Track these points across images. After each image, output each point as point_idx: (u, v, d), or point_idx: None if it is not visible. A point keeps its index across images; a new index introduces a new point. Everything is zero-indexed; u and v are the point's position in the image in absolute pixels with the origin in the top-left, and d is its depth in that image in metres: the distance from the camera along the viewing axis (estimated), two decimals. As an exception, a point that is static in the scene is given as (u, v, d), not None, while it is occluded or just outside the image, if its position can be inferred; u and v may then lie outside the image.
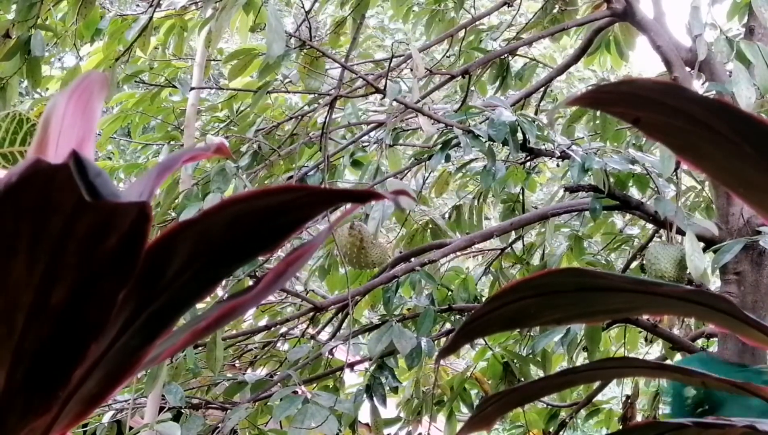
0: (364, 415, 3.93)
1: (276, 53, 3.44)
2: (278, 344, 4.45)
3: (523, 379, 4.08)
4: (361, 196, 0.89)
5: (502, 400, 1.06)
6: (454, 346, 0.98)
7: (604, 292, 0.93)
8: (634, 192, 4.04)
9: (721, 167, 0.83)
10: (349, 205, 0.93)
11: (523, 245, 4.55)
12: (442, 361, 4.49)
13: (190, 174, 3.92)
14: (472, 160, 4.11)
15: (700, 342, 4.23)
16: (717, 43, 3.67)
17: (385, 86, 3.63)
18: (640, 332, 4.52)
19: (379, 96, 4.12)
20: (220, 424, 3.49)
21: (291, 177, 3.97)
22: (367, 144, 4.28)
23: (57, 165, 0.68)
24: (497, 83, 4.70)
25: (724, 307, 0.89)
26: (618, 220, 4.96)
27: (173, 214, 3.77)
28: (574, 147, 3.54)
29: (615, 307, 1.02)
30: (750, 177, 0.81)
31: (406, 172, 4.40)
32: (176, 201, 3.77)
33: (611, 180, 3.57)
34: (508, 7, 4.76)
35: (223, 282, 3.48)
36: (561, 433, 4.51)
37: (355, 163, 4.15)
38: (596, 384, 4.40)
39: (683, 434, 0.98)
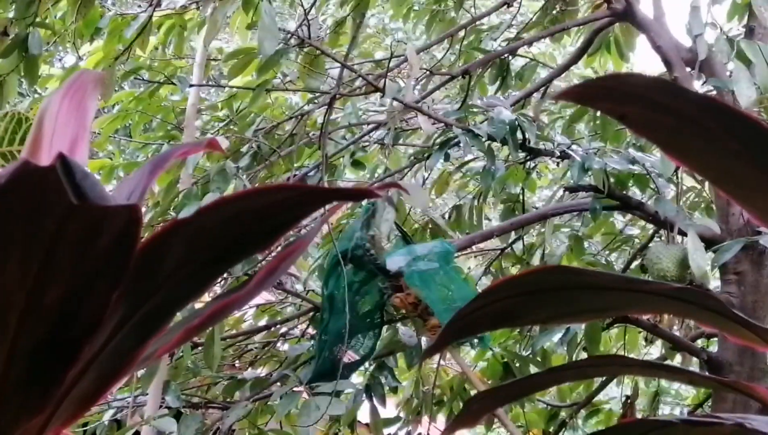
0: (364, 415, 3.93)
1: (268, 51, 3.43)
2: (278, 344, 4.45)
3: (522, 379, 4.07)
4: (355, 195, 0.88)
5: (488, 398, 1.06)
6: (440, 345, 0.98)
7: (591, 291, 0.93)
8: (634, 192, 4.03)
9: (709, 164, 0.83)
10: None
11: (523, 245, 4.54)
12: (442, 362, 4.48)
13: (190, 173, 3.91)
14: (471, 160, 4.10)
15: (700, 342, 4.22)
16: (717, 43, 3.66)
17: (384, 85, 3.63)
18: (640, 332, 4.51)
19: (378, 95, 4.12)
20: (218, 423, 3.49)
21: (291, 178, 3.97)
22: (367, 144, 4.27)
23: (45, 167, 0.68)
24: (497, 83, 4.70)
25: (712, 305, 0.89)
26: (618, 220, 4.96)
27: (173, 214, 3.77)
28: (574, 147, 3.53)
29: (603, 306, 1.02)
30: (739, 174, 0.81)
31: (406, 171, 4.39)
32: (175, 200, 3.76)
33: (611, 180, 3.57)
34: (508, 7, 4.76)
35: (221, 281, 3.48)
36: (561, 433, 4.51)
37: (356, 163, 4.15)
38: (596, 384, 4.39)
39: (671, 432, 0.98)
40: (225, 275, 3.25)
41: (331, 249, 3.34)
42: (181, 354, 3.64)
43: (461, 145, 3.43)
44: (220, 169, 3.56)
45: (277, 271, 0.89)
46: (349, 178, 4.43)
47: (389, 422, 4.05)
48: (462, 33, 4.74)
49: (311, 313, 4.12)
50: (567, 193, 3.96)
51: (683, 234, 3.36)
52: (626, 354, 4.50)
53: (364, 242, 3.17)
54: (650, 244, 3.74)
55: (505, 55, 4.62)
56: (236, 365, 4.47)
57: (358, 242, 3.16)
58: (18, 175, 0.70)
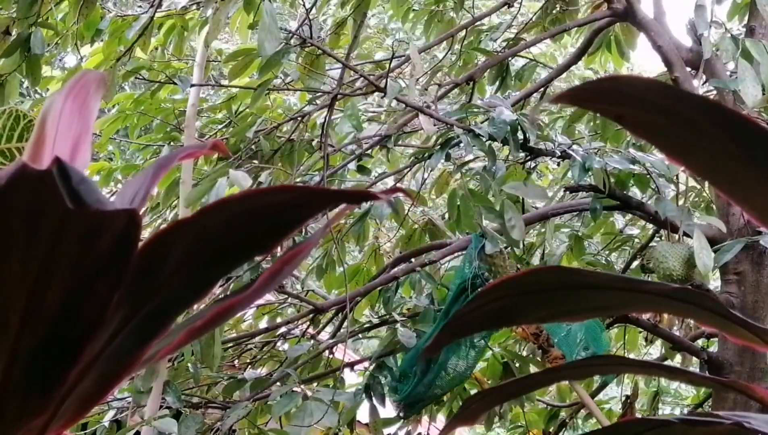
0: (364, 415, 3.93)
1: (268, 52, 3.43)
2: (278, 344, 4.45)
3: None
4: (357, 197, 0.89)
5: (487, 397, 1.06)
6: (437, 345, 0.98)
7: (588, 290, 0.93)
8: (634, 192, 4.03)
9: (708, 166, 0.83)
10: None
11: (523, 245, 4.53)
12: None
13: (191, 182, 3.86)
14: (471, 160, 4.10)
15: (700, 342, 4.22)
16: (722, 42, 3.66)
17: (386, 85, 3.63)
18: (640, 332, 4.51)
19: (378, 96, 4.12)
20: (218, 423, 3.49)
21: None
22: (367, 143, 4.27)
23: (42, 171, 0.68)
24: (497, 84, 4.70)
25: (709, 305, 0.89)
26: (618, 220, 4.96)
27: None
28: (574, 147, 3.53)
29: (600, 305, 1.02)
30: (737, 175, 0.81)
31: (405, 171, 4.39)
32: (175, 201, 3.76)
33: (611, 180, 3.57)
34: (508, 7, 4.76)
35: (225, 283, 3.48)
36: (561, 433, 4.51)
37: (361, 169, 4.15)
38: (596, 384, 4.39)
39: (669, 431, 0.98)
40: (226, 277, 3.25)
41: (455, 278, 3.42)
42: (182, 358, 3.64)
43: (462, 145, 3.43)
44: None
45: (281, 273, 0.89)
46: (349, 179, 4.42)
47: (389, 422, 4.05)
48: (462, 33, 4.74)
49: (311, 315, 4.12)
50: (567, 193, 3.96)
51: (685, 234, 3.36)
52: (626, 354, 4.50)
53: (483, 271, 3.21)
54: (655, 244, 3.73)
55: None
56: (236, 365, 4.47)
57: (476, 272, 3.20)
58: (15, 178, 0.71)
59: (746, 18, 4.07)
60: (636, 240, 4.72)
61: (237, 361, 4.45)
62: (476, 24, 4.83)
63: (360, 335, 4.27)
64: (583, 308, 0.98)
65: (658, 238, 4.06)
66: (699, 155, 0.81)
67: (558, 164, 4.34)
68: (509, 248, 4.48)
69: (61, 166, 0.68)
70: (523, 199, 4.36)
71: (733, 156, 0.78)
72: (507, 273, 3.29)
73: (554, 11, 4.74)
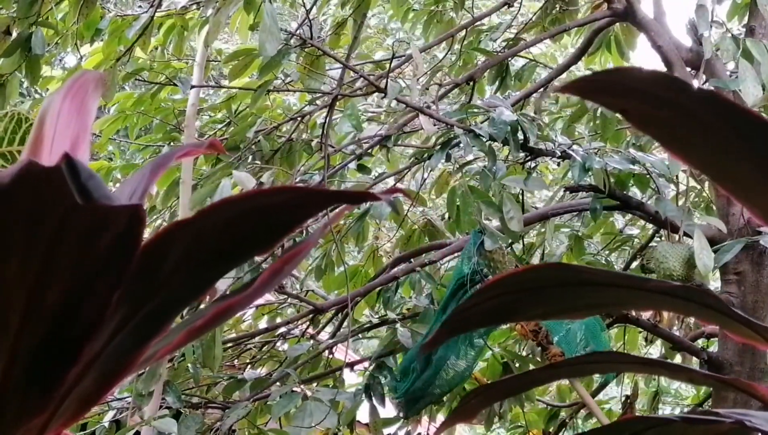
0: (364, 414, 3.93)
1: (269, 53, 3.43)
2: (278, 344, 4.45)
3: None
4: (356, 197, 0.89)
5: (485, 393, 1.06)
6: (436, 340, 0.99)
7: (588, 287, 0.93)
8: (634, 192, 4.03)
9: (710, 161, 0.83)
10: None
11: (523, 245, 4.54)
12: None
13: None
14: (472, 161, 4.10)
15: (700, 342, 4.22)
16: (722, 42, 3.67)
17: (386, 85, 3.63)
18: (640, 332, 4.51)
19: (378, 96, 4.12)
20: (218, 423, 3.49)
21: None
22: (367, 143, 4.27)
23: (50, 167, 0.68)
24: (497, 84, 4.70)
25: (710, 302, 0.89)
26: (618, 220, 4.96)
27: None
28: (574, 147, 3.53)
29: (600, 302, 1.02)
30: (740, 171, 0.81)
31: (405, 172, 4.39)
32: (174, 202, 3.76)
33: (611, 180, 3.57)
34: (508, 7, 4.76)
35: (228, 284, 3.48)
36: (561, 433, 4.51)
37: (361, 168, 4.15)
38: (596, 384, 4.39)
39: (670, 429, 0.98)
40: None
41: (453, 274, 3.44)
42: (182, 358, 3.64)
43: (462, 145, 3.43)
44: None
45: (281, 272, 0.89)
46: (349, 179, 4.42)
47: (389, 422, 4.05)
48: (462, 33, 4.74)
49: (311, 315, 4.12)
50: (567, 193, 3.96)
51: (685, 234, 3.36)
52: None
53: (482, 268, 3.22)
54: (655, 244, 3.74)
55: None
56: (236, 365, 4.47)
57: (476, 268, 3.21)
58: (22, 175, 0.71)
59: (746, 18, 4.07)
60: (636, 240, 4.72)
61: (237, 361, 4.45)
62: (476, 24, 4.83)
63: (360, 335, 4.27)
64: (583, 305, 0.98)
65: (658, 238, 4.06)
66: (700, 149, 0.81)
67: (558, 164, 4.34)
68: (510, 247, 4.49)
69: (70, 161, 0.68)
70: (523, 199, 4.37)
71: (735, 150, 0.77)
72: (506, 269, 3.29)
73: (554, 11, 4.74)
